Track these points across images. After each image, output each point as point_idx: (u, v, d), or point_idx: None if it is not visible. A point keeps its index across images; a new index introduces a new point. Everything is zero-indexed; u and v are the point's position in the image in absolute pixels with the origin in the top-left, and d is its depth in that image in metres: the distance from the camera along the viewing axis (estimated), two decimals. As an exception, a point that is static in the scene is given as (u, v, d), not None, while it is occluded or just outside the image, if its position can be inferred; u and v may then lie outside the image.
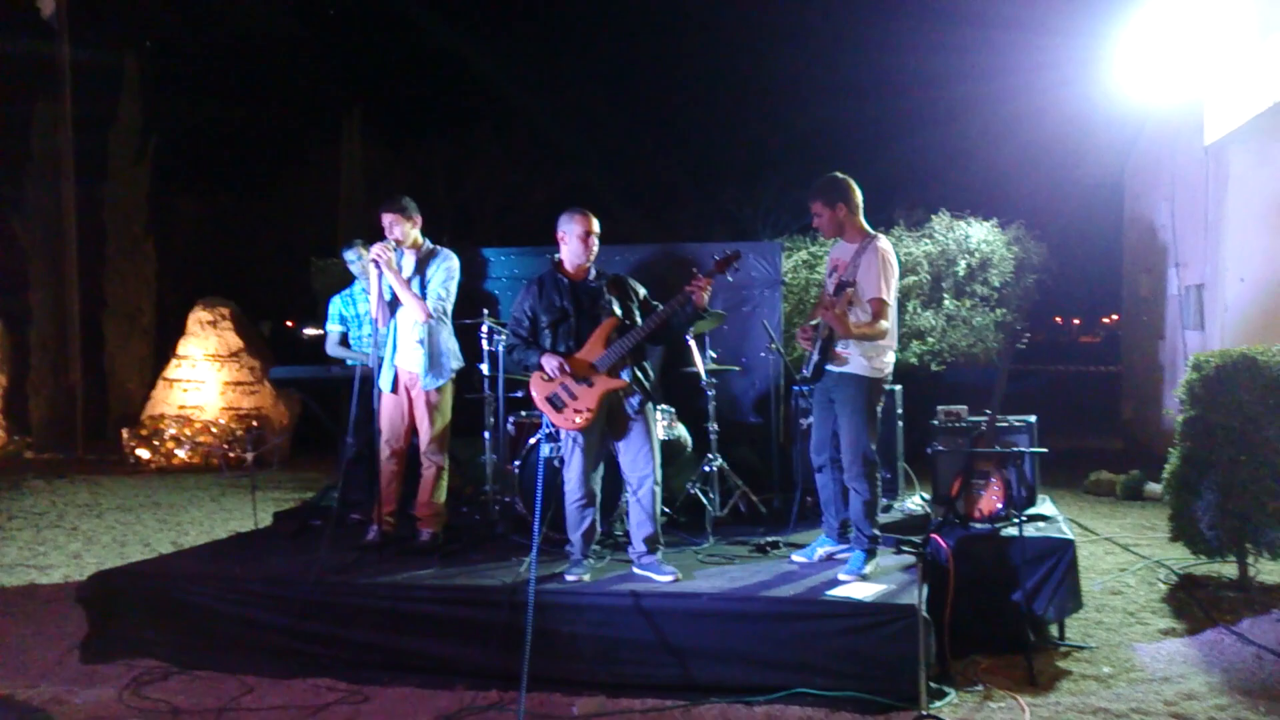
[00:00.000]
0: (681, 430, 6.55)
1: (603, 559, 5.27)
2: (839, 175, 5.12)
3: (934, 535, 5.05)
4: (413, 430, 5.72)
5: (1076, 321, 54.41)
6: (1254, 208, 8.59)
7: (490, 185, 23.16)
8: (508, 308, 7.44)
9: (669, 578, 4.81)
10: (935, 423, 6.04)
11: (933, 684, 4.29)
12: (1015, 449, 5.59)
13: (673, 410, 6.51)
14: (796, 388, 6.59)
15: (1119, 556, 6.94)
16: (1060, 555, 5.07)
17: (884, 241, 5.04)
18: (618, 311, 5.06)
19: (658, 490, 5.05)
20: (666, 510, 6.13)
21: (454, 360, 5.70)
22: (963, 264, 10.33)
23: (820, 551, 5.25)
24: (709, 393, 6.47)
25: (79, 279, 15.14)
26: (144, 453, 12.65)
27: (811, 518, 5.72)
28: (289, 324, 22.70)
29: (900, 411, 6.85)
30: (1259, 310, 8.51)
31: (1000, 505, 5.35)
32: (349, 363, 6.49)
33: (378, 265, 5.49)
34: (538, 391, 5.01)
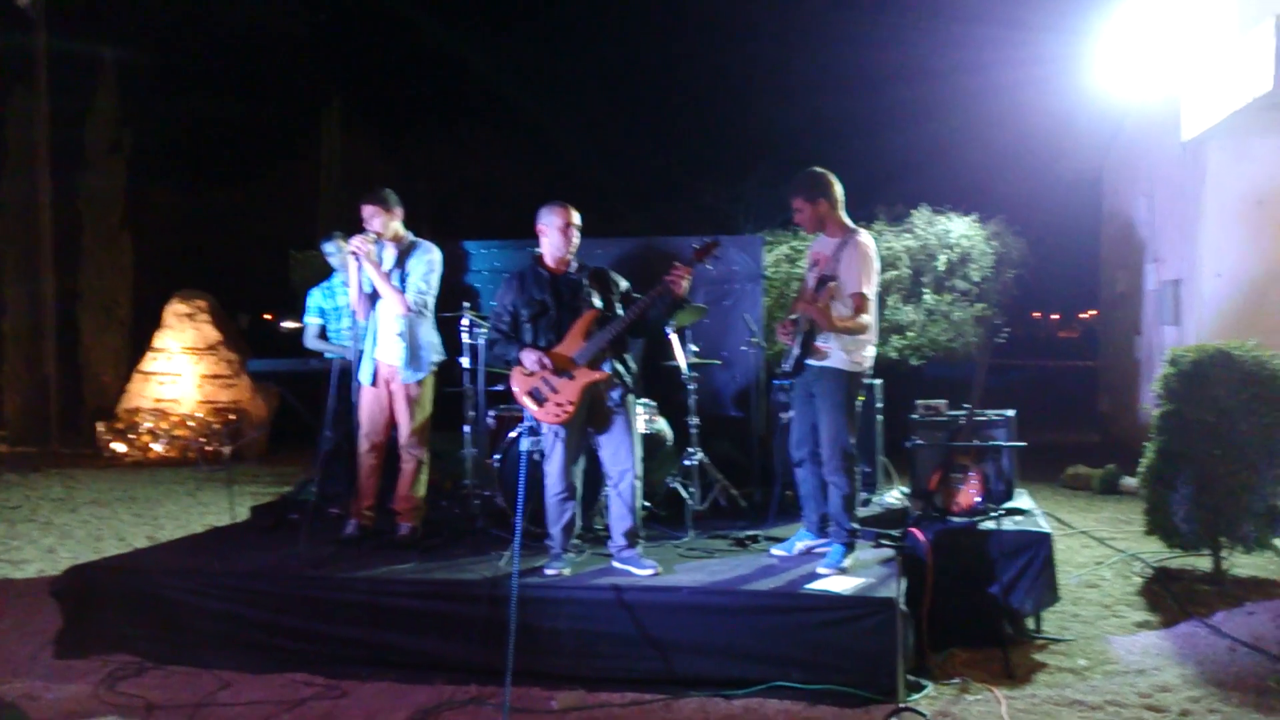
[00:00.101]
0: (662, 424, 6.54)
1: (582, 553, 5.26)
2: (819, 170, 5.12)
3: (912, 529, 5.09)
4: (392, 424, 5.69)
5: (1055, 317, 54.82)
6: (1230, 204, 8.66)
7: (471, 178, 23.06)
8: (488, 301, 7.42)
9: (649, 571, 4.81)
10: (914, 417, 6.06)
11: (911, 677, 4.32)
12: (993, 443, 5.62)
13: (654, 404, 6.51)
14: (777, 382, 6.60)
15: (1095, 550, 6.99)
16: (1037, 549, 5.10)
17: (865, 236, 5.05)
18: (597, 304, 5.04)
19: (638, 484, 5.04)
20: (646, 504, 6.12)
21: (434, 353, 5.68)
22: (943, 259, 10.37)
23: (799, 545, 5.27)
24: (690, 387, 6.47)
25: (54, 271, 15.00)
26: (119, 446, 12.56)
27: (791, 511, 5.73)
28: (267, 317, 22.56)
29: (880, 406, 6.88)
30: (1235, 306, 8.58)
31: (978, 499, 5.38)
32: (327, 356, 6.45)
33: (357, 258, 5.45)
34: (519, 386, 5.00)
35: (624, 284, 5.24)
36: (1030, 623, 5.16)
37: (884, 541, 5.32)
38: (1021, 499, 5.98)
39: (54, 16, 14.83)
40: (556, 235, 5.06)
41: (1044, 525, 5.41)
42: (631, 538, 4.98)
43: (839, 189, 5.10)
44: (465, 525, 6.01)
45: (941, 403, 6.07)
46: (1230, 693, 4.25)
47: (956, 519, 5.39)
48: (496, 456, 6.08)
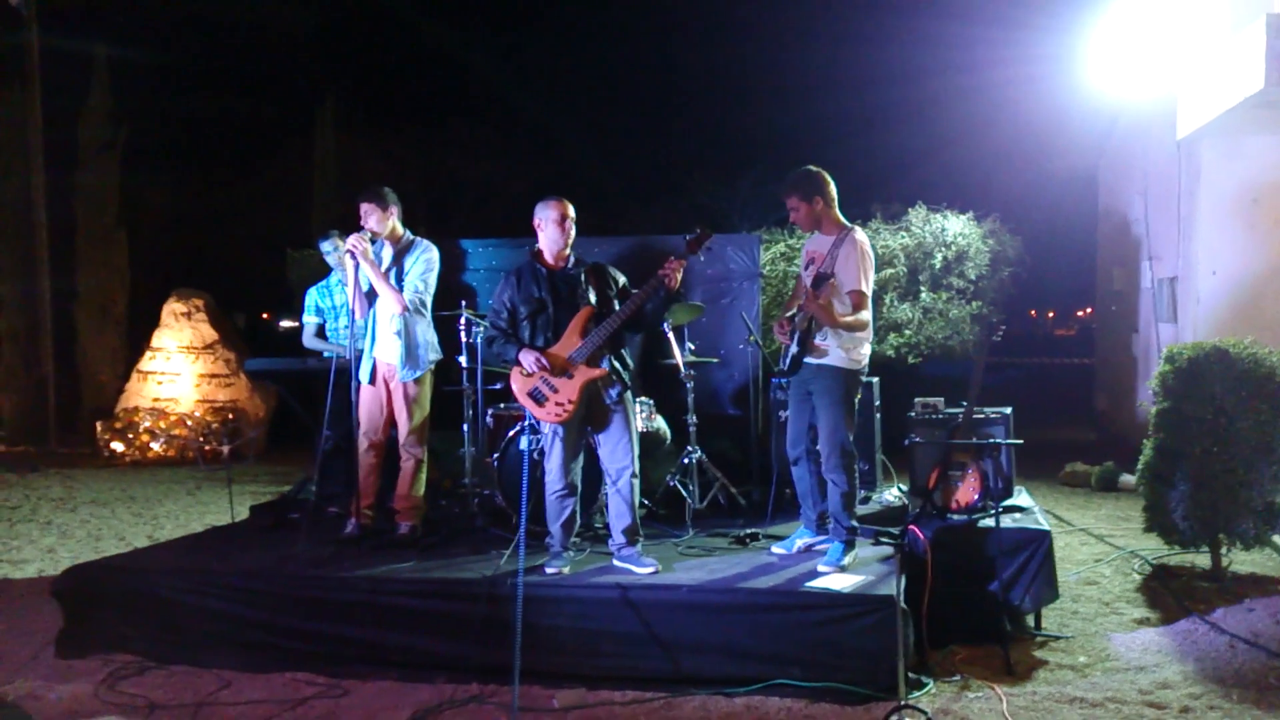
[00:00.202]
0: (661, 422, 6.55)
1: (583, 551, 5.27)
2: (813, 169, 5.14)
3: (912, 526, 5.10)
4: (391, 423, 5.69)
5: (1051, 314, 54.84)
6: (1225, 202, 8.68)
7: (466, 176, 23.06)
8: (486, 299, 7.42)
9: (649, 570, 4.81)
10: (912, 415, 6.07)
11: (911, 674, 4.33)
12: (992, 441, 5.63)
13: (652, 402, 6.52)
14: (775, 380, 6.61)
15: (1094, 547, 7.01)
16: (1037, 546, 5.11)
17: (861, 233, 5.07)
18: (593, 300, 5.04)
19: (636, 482, 5.05)
20: (646, 502, 6.14)
21: (432, 352, 5.67)
22: (939, 257, 10.38)
23: (799, 543, 5.28)
24: (688, 385, 6.48)
25: (50, 270, 14.95)
26: (118, 446, 12.54)
27: (790, 509, 5.74)
28: (264, 316, 22.52)
29: (878, 403, 6.89)
30: (1231, 303, 8.61)
31: (977, 496, 5.40)
32: (326, 355, 6.45)
33: (353, 256, 5.45)
34: (518, 386, 5.00)
35: (622, 279, 5.25)
36: (1030, 620, 5.18)
37: (883, 539, 5.33)
38: (1020, 496, 6.00)
39: (46, 15, 14.78)
40: (553, 229, 5.07)
41: (1043, 522, 5.42)
42: (631, 535, 4.99)
43: (833, 187, 5.12)
44: (464, 524, 6.02)
45: (939, 400, 6.09)
46: (1230, 689, 4.27)
47: (955, 516, 5.41)
48: (495, 455, 6.08)
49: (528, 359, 4.93)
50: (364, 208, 5.55)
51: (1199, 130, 8.45)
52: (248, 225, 21.21)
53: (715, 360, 7.36)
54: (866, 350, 5.13)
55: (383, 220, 5.56)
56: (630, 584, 4.63)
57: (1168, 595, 5.65)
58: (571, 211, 5.09)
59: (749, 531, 5.63)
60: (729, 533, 5.69)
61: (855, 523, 5.07)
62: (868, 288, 5.00)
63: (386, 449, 5.75)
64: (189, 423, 12.60)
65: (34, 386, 14.83)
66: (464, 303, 6.39)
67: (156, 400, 12.94)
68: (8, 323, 15.06)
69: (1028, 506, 5.81)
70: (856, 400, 5.14)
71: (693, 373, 6.50)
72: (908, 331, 10.37)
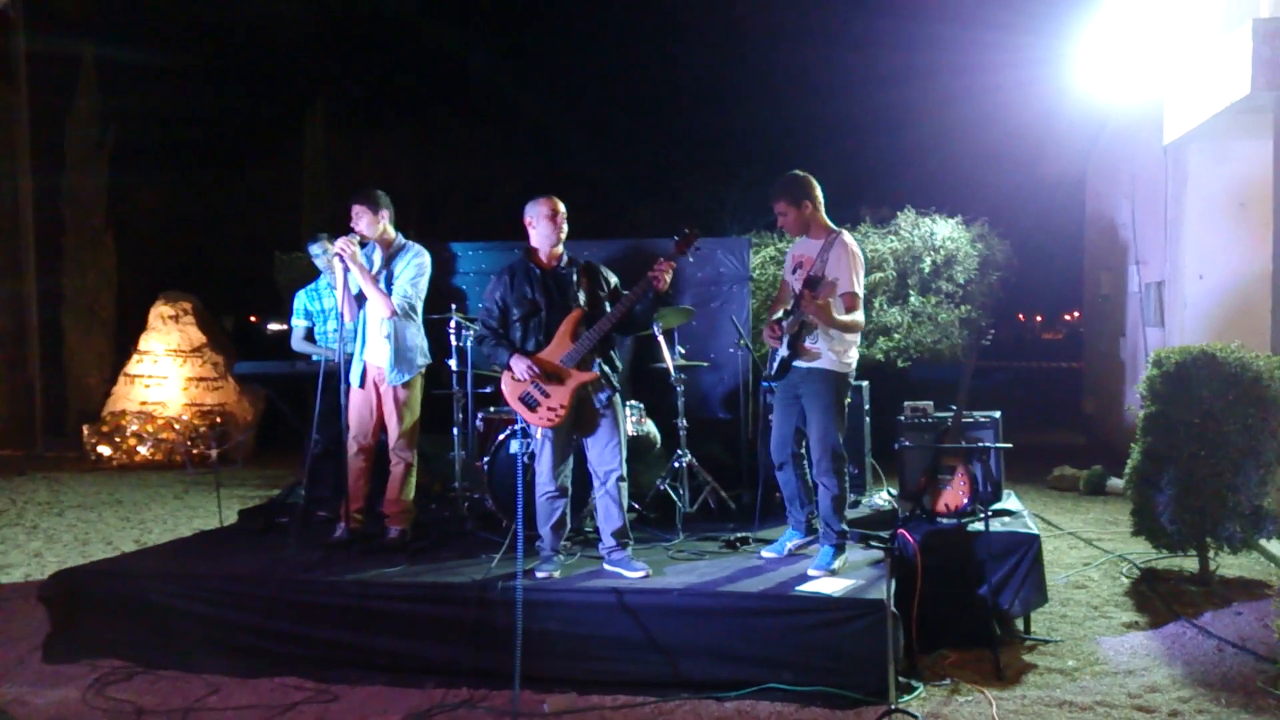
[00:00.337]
0: (651, 426, 6.55)
1: (573, 555, 5.26)
2: (800, 173, 5.16)
3: (901, 530, 5.10)
4: (381, 426, 5.67)
5: (1039, 318, 55.08)
6: (1212, 206, 8.73)
7: (456, 178, 23.03)
8: (475, 303, 7.41)
9: (639, 574, 4.81)
10: (902, 418, 6.08)
11: (901, 678, 4.33)
12: (981, 444, 5.65)
13: (642, 406, 6.52)
14: (765, 384, 6.62)
15: (1082, 551, 7.04)
16: (1026, 550, 5.13)
17: (848, 236, 5.10)
18: (583, 302, 5.04)
19: (624, 484, 5.05)
20: (636, 506, 6.14)
21: (421, 356, 5.66)
22: (928, 261, 10.41)
23: (789, 545, 5.28)
24: (678, 388, 6.48)
25: (37, 272, 14.87)
26: (105, 449, 12.47)
27: (781, 513, 5.74)
28: (252, 319, 22.46)
29: (867, 407, 6.90)
30: (1218, 307, 8.66)
31: (966, 500, 5.41)
32: (314, 358, 6.43)
33: (342, 260, 5.43)
34: (509, 391, 4.99)
35: (614, 279, 5.24)
36: (1019, 624, 5.19)
37: (873, 543, 5.33)
38: (1009, 500, 6.01)
39: (33, 15, 14.72)
40: (545, 224, 5.05)
41: (1032, 526, 5.44)
42: (620, 537, 4.99)
43: (819, 190, 5.15)
44: (454, 528, 6.00)
45: (928, 404, 6.10)
46: (1219, 693, 4.29)
47: (945, 520, 5.42)
48: (485, 459, 6.07)
49: (519, 366, 4.91)
50: (355, 209, 5.53)
51: (1186, 135, 8.50)
52: (236, 228, 21.17)
53: (705, 364, 7.37)
54: (855, 354, 5.15)
55: (374, 223, 5.54)
56: (621, 588, 4.62)
57: (1156, 599, 5.67)
58: (562, 208, 5.09)
59: (739, 535, 5.63)
60: (719, 536, 5.68)
61: (845, 526, 5.08)
62: (860, 289, 5.03)
63: (376, 453, 5.73)
64: (176, 426, 12.54)
65: (20, 390, 14.74)
66: (454, 306, 6.38)
67: (144, 404, 12.87)
68: (-6, 325, 14.99)
69: (1017, 510, 5.82)
70: (846, 403, 5.16)
71: (683, 376, 6.50)
72: (896, 335, 10.40)
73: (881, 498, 6.76)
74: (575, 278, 5.08)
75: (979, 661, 4.70)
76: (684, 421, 6.47)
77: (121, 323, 15.84)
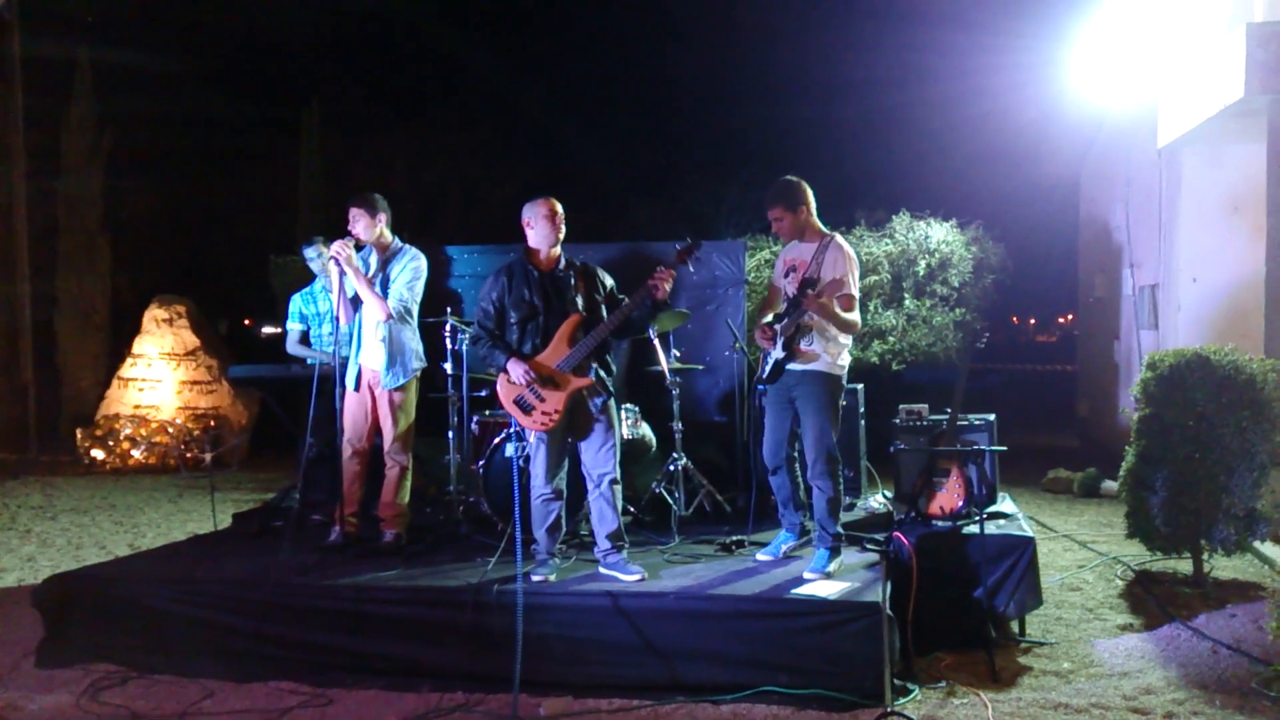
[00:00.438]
0: (646, 429, 6.55)
1: (569, 559, 5.26)
2: (793, 179, 5.19)
3: (897, 533, 5.11)
4: (376, 430, 5.67)
5: (1033, 321, 55.13)
6: (1206, 209, 8.75)
7: (451, 181, 23.01)
8: (471, 306, 7.40)
9: (635, 577, 4.81)
10: (897, 421, 6.09)
11: (897, 681, 4.34)
12: (976, 447, 5.66)
13: (637, 409, 6.51)
14: (760, 387, 6.62)
15: (1077, 553, 7.05)
16: (1021, 552, 5.13)
17: (842, 239, 5.14)
18: (581, 306, 5.03)
19: (618, 487, 5.05)
20: (631, 509, 6.13)
21: (416, 360, 5.65)
22: (923, 264, 10.43)
23: (784, 548, 5.28)
24: (673, 392, 6.48)
25: (31, 276, 14.84)
26: (99, 453, 12.44)
27: (774, 515, 5.75)
28: (247, 322, 22.43)
29: (863, 410, 6.90)
30: (1211, 310, 8.68)
31: (961, 503, 5.41)
32: (309, 361, 6.42)
33: (337, 263, 5.43)
34: (504, 393, 4.98)
35: (610, 282, 5.23)
36: (1014, 626, 5.19)
37: (869, 545, 5.35)
38: (1004, 503, 6.02)
39: (29, 18, 14.69)
40: (544, 225, 5.04)
41: (1027, 529, 5.45)
42: (615, 539, 4.98)
43: (812, 195, 5.19)
44: (449, 531, 5.99)
45: (924, 407, 6.11)
46: (1213, 694, 4.29)
47: (940, 523, 5.42)
48: (480, 462, 6.07)
49: (516, 370, 4.90)
50: (353, 212, 5.53)
51: (1180, 138, 8.53)
52: (231, 231, 21.12)
53: (701, 367, 7.37)
54: (848, 357, 5.18)
55: (370, 226, 5.54)
56: (616, 591, 4.62)
57: (1150, 601, 5.68)
58: (560, 209, 5.08)
59: (735, 538, 5.63)
60: (715, 539, 5.68)
61: (840, 529, 5.09)
62: (856, 291, 5.06)
63: (371, 456, 5.73)
64: (170, 430, 12.51)
65: (14, 393, 14.71)
66: (449, 309, 6.37)
67: (138, 407, 12.85)
68: (-12, 329, 14.95)
69: (1011, 513, 5.83)
70: (841, 405, 5.17)
71: (678, 379, 6.50)
72: (891, 338, 10.41)
73: (877, 500, 6.77)
74: (573, 281, 5.08)
75: (974, 664, 4.71)
76: (679, 425, 6.47)
77: (116, 326, 15.80)
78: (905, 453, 5.95)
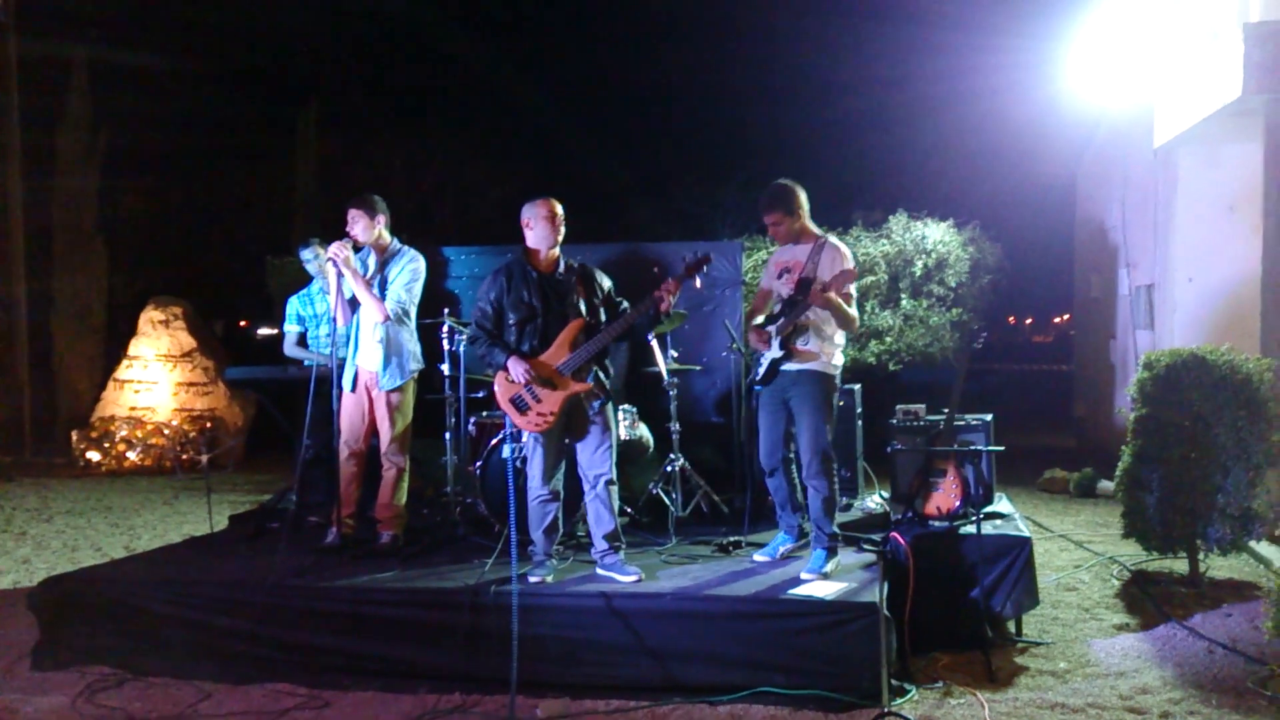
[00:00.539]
0: (644, 430, 6.55)
1: (566, 560, 5.26)
2: (788, 182, 5.22)
3: (893, 533, 5.11)
4: (373, 431, 5.66)
5: (1029, 321, 55.18)
6: (1202, 209, 8.76)
7: (448, 182, 22.99)
8: (468, 307, 7.40)
9: (632, 578, 4.81)
10: (894, 421, 6.10)
11: (894, 681, 4.33)
12: (972, 447, 5.66)
13: (635, 410, 6.51)
14: (756, 387, 6.62)
15: (1073, 553, 7.05)
16: (1017, 553, 5.14)
17: (835, 239, 5.18)
18: (584, 311, 5.03)
19: (614, 488, 5.05)
20: (628, 510, 6.13)
21: (414, 361, 5.65)
22: (920, 264, 10.44)
23: (781, 550, 5.28)
24: (671, 393, 6.47)
25: (26, 276, 14.82)
26: (94, 455, 12.42)
27: (771, 516, 5.75)
28: (242, 324, 22.40)
29: (859, 410, 6.91)
30: (1207, 310, 8.69)
31: (958, 503, 5.41)
32: (306, 363, 6.41)
33: (335, 264, 5.42)
34: (501, 391, 4.98)
35: (607, 284, 5.23)
36: (1011, 626, 5.20)
37: (866, 546, 5.35)
38: (1001, 503, 6.03)
39: (24, 18, 14.67)
40: (543, 226, 5.03)
41: (1023, 529, 5.45)
42: (612, 540, 4.98)
43: (805, 196, 5.22)
44: (446, 533, 5.99)
45: (920, 407, 6.11)
46: (1209, 694, 4.30)
47: (937, 523, 5.42)
48: (478, 464, 6.06)
49: (517, 369, 4.90)
50: (352, 213, 5.53)
51: (1176, 138, 8.54)
52: (227, 232, 21.09)
53: (698, 368, 7.36)
54: (841, 358, 5.22)
55: (369, 228, 5.54)
56: (613, 592, 4.62)
57: (1146, 601, 5.69)
58: (560, 210, 5.07)
59: (732, 539, 5.63)
60: (712, 540, 5.69)
61: (837, 530, 5.09)
62: (854, 290, 5.10)
63: (368, 458, 5.72)
64: (166, 432, 12.50)
65: (9, 395, 14.67)
66: (446, 310, 6.37)
67: (134, 409, 12.83)
68: (-16, 330, 14.93)
69: (1008, 513, 5.83)
70: (836, 405, 5.18)
71: (675, 380, 6.50)
72: (889, 339, 10.42)
73: (873, 501, 6.77)
74: (574, 284, 5.07)
75: (971, 664, 4.71)
76: (677, 425, 6.46)
77: (111, 327, 15.78)
78: (902, 453, 5.96)
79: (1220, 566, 6.25)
